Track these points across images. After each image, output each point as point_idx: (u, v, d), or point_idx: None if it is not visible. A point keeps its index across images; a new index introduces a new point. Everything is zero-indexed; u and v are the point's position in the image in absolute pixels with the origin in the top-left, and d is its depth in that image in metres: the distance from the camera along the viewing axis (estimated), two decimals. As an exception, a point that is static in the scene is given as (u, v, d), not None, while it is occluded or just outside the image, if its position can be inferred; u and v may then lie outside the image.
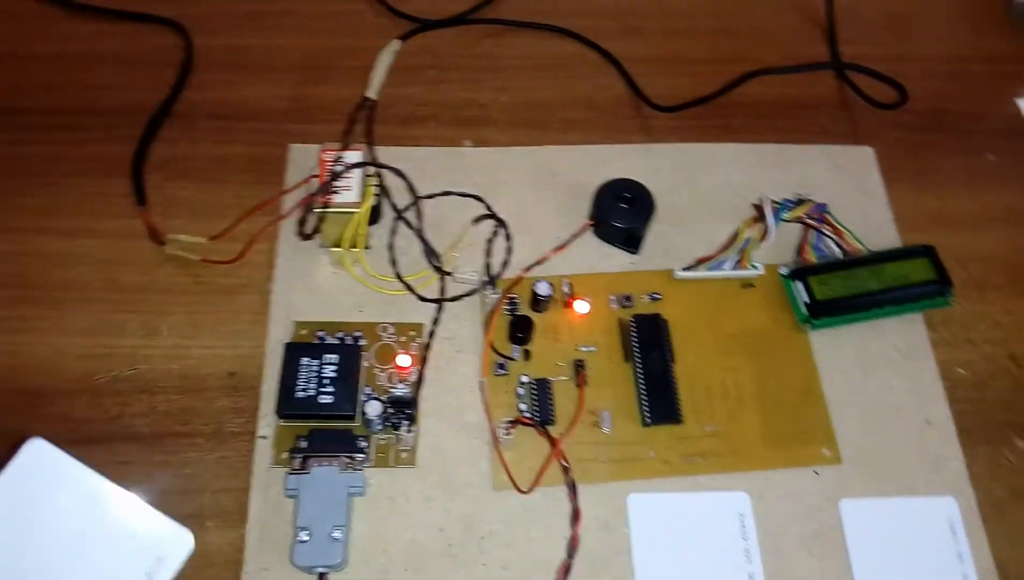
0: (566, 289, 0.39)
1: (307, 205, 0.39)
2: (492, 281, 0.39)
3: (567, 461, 0.34)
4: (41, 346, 0.38)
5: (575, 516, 0.34)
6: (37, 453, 0.26)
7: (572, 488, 0.33)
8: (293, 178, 0.43)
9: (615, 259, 0.42)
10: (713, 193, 0.44)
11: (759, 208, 0.40)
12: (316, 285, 0.40)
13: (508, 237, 0.40)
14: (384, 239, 0.41)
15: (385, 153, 0.43)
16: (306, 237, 0.40)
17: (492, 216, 0.41)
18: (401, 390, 0.37)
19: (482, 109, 0.47)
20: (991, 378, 0.41)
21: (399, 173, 0.40)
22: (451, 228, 0.42)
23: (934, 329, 0.41)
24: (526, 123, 0.47)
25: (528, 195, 0.44)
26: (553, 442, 0.34)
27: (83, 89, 0.47)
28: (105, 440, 0.36)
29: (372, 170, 0.39)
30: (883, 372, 0.40)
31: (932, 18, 0.55)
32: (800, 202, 0.40)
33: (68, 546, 0.26)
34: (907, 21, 0.55)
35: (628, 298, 0.40)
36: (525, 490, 0.34)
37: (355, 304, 0.40)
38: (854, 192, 0.45)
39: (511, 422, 0.35)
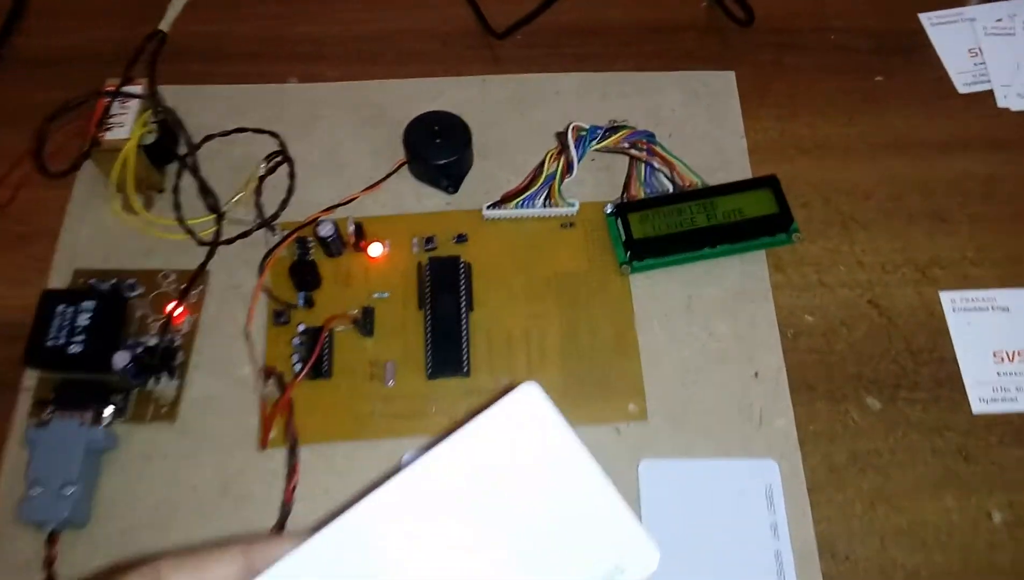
0: (352, 228, 0.36)
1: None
2: (268, 222, 0.36)
3: (291, 415, 0.31)
4: None
5: (290, 473, 0.31)
6: (527, 400, 0.19)
7: (293, 445, 0.30)
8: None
9: (433, 200, 0.39)
10: (548, 126, 0.40)
11: (561, 136, 0.36)
12: (105, 231, 0.38)
13: (292, 175, 0.37)
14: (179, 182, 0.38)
15: (190, 91, 0.41)
16: (52, 175, 0.37)
17: (280, 153, 0.38)
18: (165, 340, 0.34)
19: (314, 44, 0.44)
20: (844, 326, 0.36)
21: (162, 107, 0.37)
22: (249, 168, 0.39)
23: (781, 270, 0.37)
24: (361, 57, 0.44)
25: (348, 133, 0.41)
26: (284, 393, 0.31)
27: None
28: None
29: (151, 107, 0.36)
30: (711, 319, 0.35)
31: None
32: (615, 129, 0.36)
33: (520, 517, 0.19)
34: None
35: (431, 240, 0.37)
36: (263, 446, 0.31)
37: (143, 250, 0.37)
38: (707, 121, 0.40)
39: (264, 373, 0.32)
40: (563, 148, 0.35)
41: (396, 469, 0.19)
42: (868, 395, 0.34)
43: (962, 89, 0.41)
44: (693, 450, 0.33)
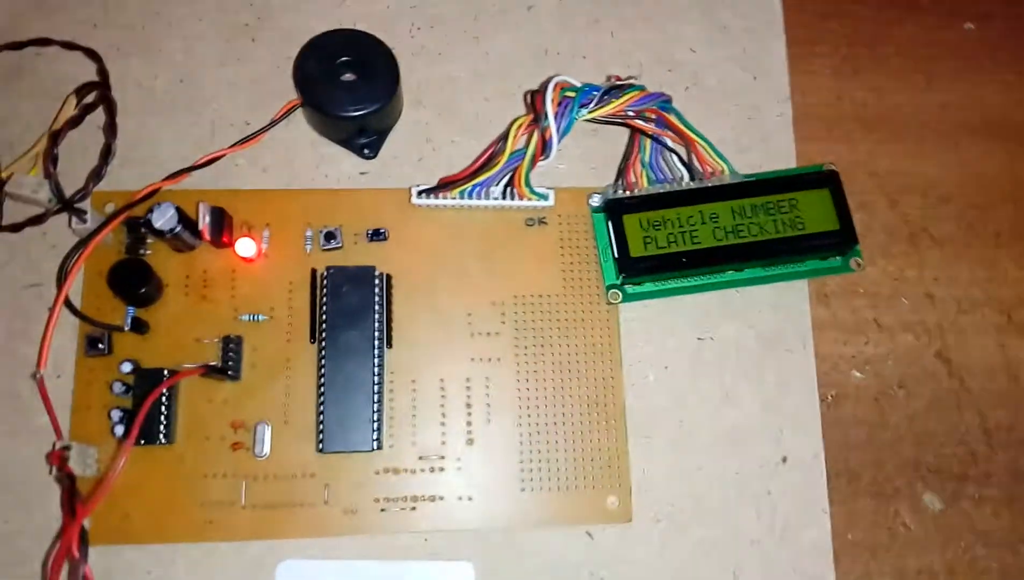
0: (207, 218, 0.23)
1: None
2: (70, 203, 0.23)
3: (83, 551, 0.19)
4: None
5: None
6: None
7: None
8: None
9: (340, 166, 0.26)
10: (514, 61, 0.28)
11: (537, 98, 0.23)
12: None
13: (111, 127, 0.24)
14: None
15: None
16: None
17: (98, 85, 0.24)
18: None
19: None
20: (903, 388, 0.26)
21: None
22: (56, 102, 0.26)
23: (824, 303, 0.26)
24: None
25: (212, 49, 0.27)
26: (75, 514, 0.20)
27: None
28: None
29: None
30: (728, 374, 0.25)
31: None
32: (617, 90, 0.24)
33: None
34: None
35: (333, 235, 0.25)
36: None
37: None
38: (739, 70, 0.28)
39: (54, 458, 0.21)
40: (537, 117, 0.23)
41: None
42: (927, 490, 0.25)
43: (1079, 49, 0.30)
44: (686, 572, 0.23)
